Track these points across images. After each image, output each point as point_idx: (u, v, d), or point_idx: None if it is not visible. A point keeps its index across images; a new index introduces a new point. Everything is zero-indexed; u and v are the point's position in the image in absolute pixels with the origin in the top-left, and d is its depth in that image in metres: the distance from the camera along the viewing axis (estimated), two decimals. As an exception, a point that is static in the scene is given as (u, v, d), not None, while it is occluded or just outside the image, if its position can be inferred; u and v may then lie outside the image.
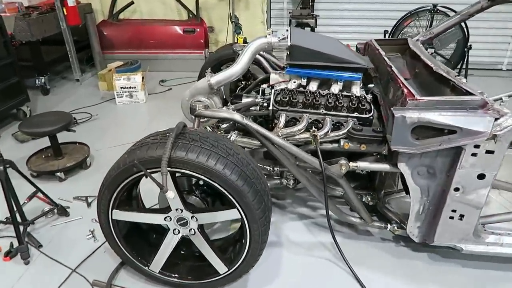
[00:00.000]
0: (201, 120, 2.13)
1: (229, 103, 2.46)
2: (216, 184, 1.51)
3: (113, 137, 3.40)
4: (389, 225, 2.03)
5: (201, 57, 5.23)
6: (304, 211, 2.41)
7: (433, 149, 1.65)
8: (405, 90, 1.75)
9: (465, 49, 4.08)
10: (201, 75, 3.25)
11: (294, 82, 2.25)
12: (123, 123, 3.71)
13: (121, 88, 4.07)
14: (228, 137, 2.22)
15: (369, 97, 2.12)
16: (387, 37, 4.56)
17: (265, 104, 2.25)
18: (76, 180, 2.76)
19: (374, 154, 2.04)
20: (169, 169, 1.47)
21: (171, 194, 1.43)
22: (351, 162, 1.90)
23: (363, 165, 1.89)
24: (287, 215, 2.38)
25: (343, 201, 2.33)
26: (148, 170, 1.51)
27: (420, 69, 2.20)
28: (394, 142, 1.69)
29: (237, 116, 1.76)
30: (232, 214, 1.58)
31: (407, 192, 2.10)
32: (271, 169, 2.25)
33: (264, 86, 2.44)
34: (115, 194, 1.62)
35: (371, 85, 2.32)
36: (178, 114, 3.84)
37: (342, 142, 1.96)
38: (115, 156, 3.13)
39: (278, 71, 2.45)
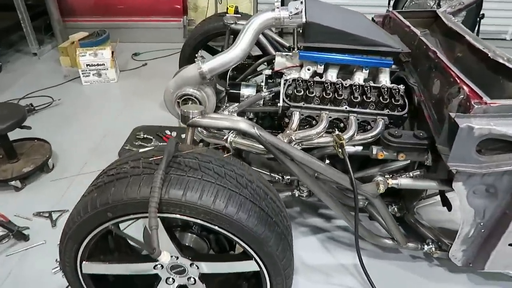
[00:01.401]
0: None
1: (224, 94, 1.99)
2: (228, 233, 1.08)
3: (80, 129, 2.86)
4: (425, 246, 1.69)
5: (179, 25, 4.60)
6: (317, 223, 2.04)
7: (504, 168, 1.28)
8: (466, 89, 1.34)
9: (478, 18, 3.68)
10: (184, 54, 2.71)
11: (309, 70, 1.79)
12: (92, 109, 3.15)
13: (87, 65, 3.45)
14: (224, 138, 1.78)
15: (401, 88, 1.71)
16: (390, 7, 4.07)
17: (270, 96, 1.80)
18: (36, 189, 2.26)
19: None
20: (159, 214, 1.03)
21: (166, 257, 1.00)
22: (390, 179, 1.51)
23: (405, 182, 1.50)
24: (297, 228, 2.00)
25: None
26: (130, 216, 1.06)
27: (464, 53, 1.78)
28: (452, 158, 1.30)
29: (245, 125, 1.31)
30: (249, 266, 1.17)
31: (445, 205, 1.75)
32: (280, 178, 1.84)
33: (267, 72, 1.97)
34: (83, 245, 1.17)
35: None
36: (157, 96, 3.30)
37: (375, 151, 1.55)
38: (84, 155, 2.57)
39: (284, 53, 1.98)
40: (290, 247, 1.21)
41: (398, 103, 1.66)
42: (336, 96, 1.67)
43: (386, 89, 1.68)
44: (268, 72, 1.96)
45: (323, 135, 1.64)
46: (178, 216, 1.05)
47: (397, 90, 1.68)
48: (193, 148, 1.21)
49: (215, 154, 1.20)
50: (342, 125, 1.73)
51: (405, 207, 1.89)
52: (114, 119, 2.98)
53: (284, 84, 1.73)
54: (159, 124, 2.82)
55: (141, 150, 1.22)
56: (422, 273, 1.77)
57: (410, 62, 1.84)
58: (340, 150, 1.51)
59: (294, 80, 1.72)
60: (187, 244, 1.30)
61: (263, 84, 1.97)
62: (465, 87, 1.35)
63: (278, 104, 1.71)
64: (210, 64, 1.74)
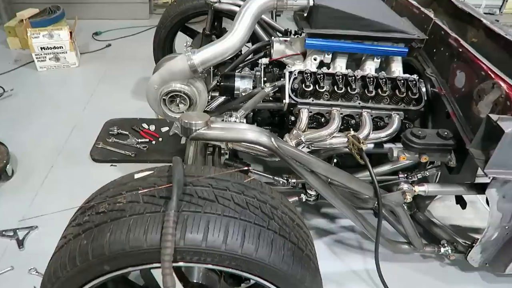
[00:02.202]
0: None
1: (217, 84, 1.74)
2: (257, 279, 0.89)
3: (40, 125, 2.49)
4: (442, 249, 1.59)
5: (144, 0, 4.15)
6: (321, 224, 1.90)
7: (549, 174, 1.16)
8: (504, 85, 1.19)
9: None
10: (159, 37, 2.38)
11: (315, 60, 1.57)
12: (53, 100, 2.75)
13: (41, 49, 3.00)
14: None
15: (418, 79, 1.55)
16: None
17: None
18: (-6, 202, 1.93)
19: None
20: (174, 264, 0.81)
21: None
22: (416, 187, 1.36)
23: (433, 189, 1.37)
24: (301, 231, 1.84)
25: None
26: (134, 268, 0.84)
27: (479, 38, 1.63)
28: (492, 164, 1.16)
29: (260, 136, 1.08)
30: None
31: (459, 203, 1.65)
32: (285, 181, 1.65)
33: (265, 61, 1.74)
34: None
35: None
36: (128, 82, 2.97)
37: (395, 153, 1.39)
38: (49, 156, 2.20)
39: (281, 38, 1.74)
40: (321, 279, 1.04)
41: (416, 97, 1.51)
42: (349, 90, 1.48)
43: (402, 81, 1.51)
44: (266, 61, 1.72)
45: (336, 135, 1.46)
46: (197, 265, 0.84)
47: (414, 81, 1.52)
48: (201, 169, 0.98)
49: (230, 177, 0.98)
50: (353, 122, 1.56)
51: (415, 205, 1.78)
52: (81, 112, 2.62)
53: (290, 77, 1.51)
54: (133, 116, 2.51)
55: (136, 176, 0.97)
56: (434, 273, 1.69)
57: (423, 48, 1.67)
58: (358, 155, 1.34)
59: (301, 72, 1.51)
60: (195, 282, 1.09)
61: (258, 74, 1.73)
62: (502, 84, 1.20)
63: (284, 101, 1.50)
64: (202, 55, 1.47)
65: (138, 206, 0.87)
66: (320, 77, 1.48)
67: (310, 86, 1.46)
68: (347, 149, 1.45)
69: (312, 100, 1.49)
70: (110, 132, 2.33)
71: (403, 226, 1.48)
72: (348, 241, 1.82)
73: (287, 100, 1.49)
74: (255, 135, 1.08)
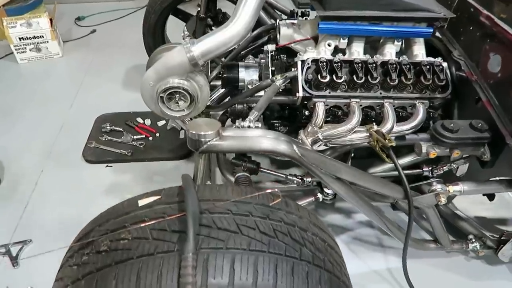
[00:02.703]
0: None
1: (219, 75, 1.57)
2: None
3: (25, 124, 2.30)
4: (470, 245, 1.49)
5: (128, -22, 3.85)
6: (337, 220, 1.78)
7: None
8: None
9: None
10: (149, 22, 2.17)
11: (329, 46, 1.40)
12: (37, 95, 2.55)
13: (20, 39, 2.76)
14: None
15: (444, 64, 1.39)
16: None
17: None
18: (-19, 214, 1.77)
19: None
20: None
21: None
22: (450, 187, 1.23)
23: (470, 188, 1.24)
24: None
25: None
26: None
27: (509, 13, 1.47)
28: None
29: (285, 146, 0.93)
30: None
31: (486, 195, 1.54)
32: (300, 181, 1.51)
33: (271, 47, 1.56)
34: None
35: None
36: (117, 72, 2.76)
37: (425, 148, 1.26)
38: (38, 160, 2.00)
39: (287, 21, 1.56)
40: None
41: (442, 83, 1.36)
42: (369, 79, 1.32)
43: (427, 66, 1.35)
44: (272, 47, 1.55)
45: (357, 129, 1.32)
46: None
47: (440, 66, 1.37)
48: (217, 190, 0.83)
49: (251, 198, 0.84)
50: (373, 113, 1.41)
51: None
52: (68, 108, 2.43)
53: (302, 67, 1.35)
54: (126, 110, 2.33)
55: (140, 202, 0.82)
56: (459, 268, 1.58)
57: (446, 27, 1.50)
58: (384, 153, 1.20)
59: (314, 61, 1.34)
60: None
61: (263, 62, 1.56)
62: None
63: (297, 94, 1.34)
64: (202, 46, 1.29)
65: (147, 244, 0.72)
66: (338, 65, 1.31)
67: (326, 76, 1.30)
68: (367, 143, 1.31)
69: (329, 92, 1.34)
70: (102, 130, 2.16)
71: (432, 226, 1.36)
72: (367, 238, 1.71)
73: (300, 94, 1.33)
74: (273, 144, 0.93)
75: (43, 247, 1.60)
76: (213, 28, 2.12)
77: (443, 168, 1.46)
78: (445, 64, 1.38)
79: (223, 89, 1.68)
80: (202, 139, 0.89)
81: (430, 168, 1.49)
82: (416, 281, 1.43)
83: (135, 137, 2.11)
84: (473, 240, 1.49)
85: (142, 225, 0.75)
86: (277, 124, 1.58)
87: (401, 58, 1.40)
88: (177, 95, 1.41)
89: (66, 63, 2.91)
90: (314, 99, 1.34)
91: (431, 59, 1.41)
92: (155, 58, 1.48)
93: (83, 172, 1.98)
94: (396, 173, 1.51)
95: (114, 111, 2.32)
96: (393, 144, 1.16)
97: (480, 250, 1.47)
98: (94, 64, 2.88)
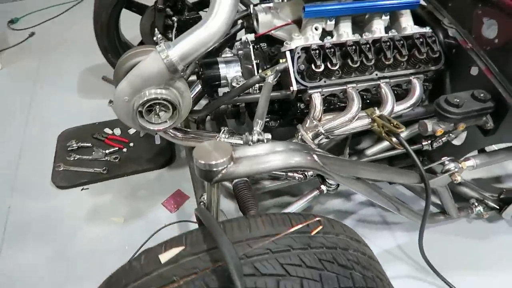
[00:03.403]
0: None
1: (197, 75, 1.42)
2: None
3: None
4: (474, 209, 1.50)
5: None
6: (338, 205, 1.72)
7: None
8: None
9: None
10: (101, 20, 1.92)
11: (316, 30, 1.29)
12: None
13: None
14: (217, 137, 1.32)
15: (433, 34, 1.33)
16: None
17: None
18: None
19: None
20: None
21: None
22: (463, 163, 1.20)
23: (482, 161, 1.22)
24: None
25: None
26: None
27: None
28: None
29: (308, 158, 0.83)
30: None
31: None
32: (302, 177, 1.43)
33: (250, 37, 1.42)
34: None
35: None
36: (71, 77, 2.48)
37: (430, 127, 1.21)
38: (1, 195, 1.73)
39: (263, 5, 1.42)
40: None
41: (436, 55, 1.30)
42: (365, 61, 1.24)
43: (420, 38, 1.29)
44: (251, 37, 1.41)
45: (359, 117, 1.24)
46: None
47: (432, 37, 1.30)
48: (247, 225, 0.73)
49: (284, 225, 0.74)
50: (369, 96, 1.34)
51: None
52: (23, 127, 2.15)
53: (292, 57, 1.23)
54: (90, 121, 2.10)
55: (162, 258, 0.69)
56: (463, 232, 1.60)
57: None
58: (391, 139, 1.14)
59: (304, 49, 1.23)
60: None
61: (241, 53, 1.43)
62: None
63: (291, 88, 1.23)
64: (180, 48, 1.13)
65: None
66: (331, 51, 1.21)
67: (321, 65, 1.20)
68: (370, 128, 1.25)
69: (324, 82, 1.24)
70: (68, 148, 1.93)
71: (442, 201, 1.35)
72: (371, 218, 1.68)
73: (295, 87, 1.22)
74: (295, 159, 0.82)
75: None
76: (173, 18, 1.93)
77: (442, 139, 1.44)
78: (440, 35, 1.33)
79: (199, 87, 1.54)
80: (215, 169, 0.77)
81: (429, 141, 1.46)
82: (428, 253, 1.42)
83: (107, 151, 1.92)
84: (476, 204, 1.50)
85: (174, 287, 0.64)
86: (267, 119, 1.48)
87: (390, 34, 1.32)
88: (157, 106, 1.26)
89: (8, 76, 2.56)
90: (310, 91, 1.24)
91: (420, 30, 1.35)
92: (123, 66, 1.29)
93: (57, 200, 1.77)
94: (393, 152, 1.50)
95: (76, 124, 2.08)
96: (403, 129, 1.10)
97: (484, 212, 1.49)
98: (41, 72, 2.57)
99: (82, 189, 1.81)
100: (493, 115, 1.22)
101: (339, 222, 0.84)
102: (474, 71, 1.29)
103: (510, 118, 1.19)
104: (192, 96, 1.54)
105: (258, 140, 0.89)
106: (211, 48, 1.19)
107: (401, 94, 1.36)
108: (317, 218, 0.72)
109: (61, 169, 1.85)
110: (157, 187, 1.83)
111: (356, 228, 1.62)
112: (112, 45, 2.01)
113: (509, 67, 1.16)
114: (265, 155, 0.82)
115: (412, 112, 1.36)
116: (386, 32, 1.33)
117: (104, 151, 1.92)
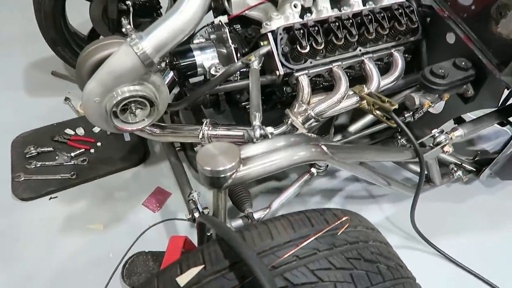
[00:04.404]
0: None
1: (169, 66, 1.30)
2: None
3: None
4: (455, 174, 1.55)
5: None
6: (324, 184, 1.72)
7: None
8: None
9: None
10: (44, 12, 1.69)
11: (295, 7, 1.21)
12: None
13: None
14: (200, 130, 1.25)
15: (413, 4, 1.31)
16: None
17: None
18: None
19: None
20: None
21: None
22: (452, 133, 1.21)
23: (469, 129, 1.24)
24: (311, 198, 1.66)
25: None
26: None
27: None
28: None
29: (318, 150, 0.78)
30: None
31: (458, 123, 1.59)
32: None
33: (222, 19, 1.32)
34: None
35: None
36: (15, 75, 2.22)
37: (417, 100, 1.20)
38: None
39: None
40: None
41: (415, 26, 1.29)
42: (349, 37, 1.19)
43: (399, 9, 1.26)
44: (224, 19, 1.30)
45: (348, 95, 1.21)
46: None
47: (410, 8, 1.28)
48: (268, 232, 0.68)
49: (304, 225, 0.70)
50: (353, 73, 1.31)
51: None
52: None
53: (274, 39, 1.16)
54: (46, 123, 1.90)
55: (180, 281, 0.63)
56: (443, 196, 1.67)
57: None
58: (384, 117, 1.12)
59: (286, 29, 1.16)
60: None
61: (213, 37, 1.33)
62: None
63: (277, 72, 1.16)
64: (153, 39, 1.02)
65: None
66: (314, 29, 1.15)
67: (307, 46, 1.13)
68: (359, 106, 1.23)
69: (310, 63, 1.19)
70: (27, 156, 1.74)
71: (430, 171, 1.38)
72: (358, 193, 1.70)
73: (281, 71, 1.16)
74: (306, 153, 0.77)
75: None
76: (128, 2, 1.75)
77: (423, 110, 1.45)
78: (414, 5, 1.31)
79: (169, 77, 1.43)
80: (223, 175, 0.70)
81: (411, 112, 1.47)
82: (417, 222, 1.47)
83: (72, 154, 1.75)
84: (455, 169, 1.56)
85: (202, 314, 0.58)
86: (248, 105, 1.40)
87: (368, 6, 1.28)
88: (132, 104, 1.14)
89: None
90: (296, 74, 1.18)
91: (397, 0, 1.32)
92: (87, 62, 1.15)
93: (22, 214, 1.60)
94: (376, 127, 1.49)
95: (31, 127, 1.88)
96: (396, 106, 1.08)
97: (463, 176, 1.56)
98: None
99: (50, 198, 1.65)
100: (473, 83, 1.24)
101: (352, 212, 0.82)
102: (450, 39, 1.29)
103: (489, 85, 1.21)
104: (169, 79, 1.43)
105: (261, 136, 0.83)
106: (188, 36, 1.08)
107: (384, 68, 1.35)
108: (345, 217, 0.68)
109: (22, 179, 1.67)
110: (134, 187, 1.71)
111: (345, 205, 1.66)
112: (61, 36, 1.81)
113: (487, 33, 1.17)
114: (273, 152, 0.77)
115: (394, 85, 1.36)
116: (364, 4, 1.29)
117: (69, 155, 1.75)
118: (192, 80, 1.39)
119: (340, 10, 1.25)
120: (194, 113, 1.55)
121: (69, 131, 1.86)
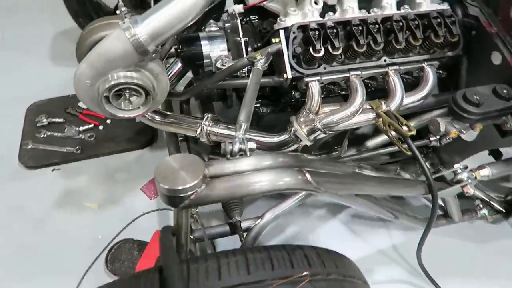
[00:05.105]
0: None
1: (176, 52, 1.22)
2: None
3: None
4: (479, 212, 1.37)
5: None
6: (330, 199, 1.60)
7: None
8: None
9: None
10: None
11: (316, 4, 1.07)
12: None
13: None
14: (199, 126, 1.16)
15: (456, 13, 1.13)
16: None
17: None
18: None
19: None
20: None
21: None
22: (477, 172, 1.05)
23: (499, 170, 1.07)
24: (312, 213, 1.54)
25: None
26: None
27: None
28: None
29: (299, 177, 0.67)
30: None
31: (493, 154, 1.39)
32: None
33: (237, 9, 1.20)
34: None
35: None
36: (41, 45, 2.26)
37: (443, 127, 1.04)
38: None
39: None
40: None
41: (455, 39, 1.11)
42: (373, 44, 1.04)
43: (438, 18, 1.09)
44: (239, 9, 1.19)
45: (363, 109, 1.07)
46: None
47: (452, 17, 1.11)
48: (216, 268, 0.59)
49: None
50: (375, 84, 1.16)
51: (439, 160, 1.50)
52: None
53: (287, 37, 1.03)
54: (62, 94, 1.89)
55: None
56: (464, 234, 1.48)
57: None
58: (399, 142, 0.98)
59: (301, 27, 1.03)
60: None
61: (228, 26, 1.22)
62: None
63: (285, 75, 1.05)
64: (150, 24, 0.93)
65: None
66: (333, 32, 1.01)
67: (321, 49, 1.00)
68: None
69: (324, 68, 1.05)
70: (38, 124, 1.75)
71: (447, 206, 1.22)
72: (366, 213, 1.56)
73: (289, 75, 1.03)
74: (285, 180, 0.66)
75: None
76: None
77: (449, 138, 1.28)
78: (458, 13, 1.13)
79: (180, 64, 1.34)
80: (181, 194, 0.61)
81: (438, 137, 1.30)
82: (424, 256, 1.31)
83: (81, 128, 1.74)
84: (481, 206, 1.38)
85: None
86: (258, 105, 1.29)
87: (403, 10, 1.12)
88: (127, 91, 1.07)
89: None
90: (306, 79, 1.05)
91: (438, 6, 1.14)
92: (86, 41, 1.09)
93: (25, 182, 1.62)
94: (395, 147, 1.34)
95: (47, 96, 1.88)
96: (413, 132, 0.94)
97: (489, 216, 1.37)
98: (6, 37, 2.29)
99: (53, 170, 1.66)
100: (515, 115, 1.06)
101: (332, 255, 0.71)
102: (496, 59, 1.11)
103: (534, 119, 1.03)
104: (172, 74, 1.35)
105: (240, 151, 0.73)
106: (190, 24, 0.99)
107: (411, 83, 1.19)
108: (305, 273, 0.57)
109: (30, 147, 1.68)
110: (136, 170, 1.68)
111: (349, 224, 1.53)
112: (83, 8, 1.77)
113: (542, 60, 0.98)
114: (246, 173, 0.66)
115: (421, 103, 1.19)
116: (398, 7, 1.13)
117: (77, 128, 1.74)
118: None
119: (369, 12, 1.10)
120: (202, 105, 1.47)
121: (82, 104, 1.84)
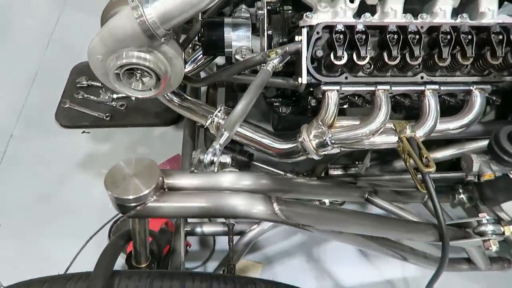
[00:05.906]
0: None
1: (198, 37, 1.16)
2: None
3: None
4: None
5: None
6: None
7: None
8: None
9: None
10: None
11: (352, 2, 0.93)
12: (8, 28, 2.16)
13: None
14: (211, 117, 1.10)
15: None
16: None
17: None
18: None
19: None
20: None
21: None
22: (506, 227, 0.88)
23: None
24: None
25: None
26: None
27: None
28: None
29: (262, 208, 0.59)
30: None
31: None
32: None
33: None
34: None
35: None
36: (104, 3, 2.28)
37: (477, 167, 0.88)
38: (5, 122, 1.61)
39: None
40: None
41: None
42: (408, 58, 0.89)
43: (500, 34, 0.89)
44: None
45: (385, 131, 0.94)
46: None
47: (519, 34, 0.90)
48: None
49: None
50: (407, 102, 1.01)
51: (480, 195, 1.30)
52: (43, 49, 2.04)
53: (309, 37, 0.92)
54: (109, 57, 1.94)
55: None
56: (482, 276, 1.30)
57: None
58: (415, 175, 0.84)
59: (328, 27, 0.90)
60: None
61: (261, 14, 1.11)
62: None
63: (299, 80, 0.94)
64: (160, 6, 0.87)
65: None
66: (361, 38, 0.88)
67: (343, 57, 0.88)
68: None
69: (346, 78, 0.93)
70: (78, 85, 1.82)
71: (467, 251, 1.05)
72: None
73: (304, 80, 0.92)
74: (247, 208, 0.59)
75: (12, 235, 1.43)
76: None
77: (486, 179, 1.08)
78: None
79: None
80: (128, 204, 0.56)
81: (470, 181, 1.12)
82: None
83: (114, 96, 1.77)
84: (519, 255, 1.18)
85: None
86: (277, 104, 1.20)
87: (459, 20, 0.94)
88: (138, 71, 1.04)
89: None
90: (324, 87, 0.94)
91: (507, 19, 0.94)
92: (108, 14, 1.06)
93: (57, 139, 1.71)
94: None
95: (92, 58, 1.94)
96: (433, 170, 0.79)
97: (526, 272, 1.17)
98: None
99: (82, 132, 1.73)
100: None
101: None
102: None
103: None
104: (197, 59, 1.31)
105: (210, 163, 0.65)
106: (207, 8, 0.91)
107: (453, 106, 1.01)
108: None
109: (67, 106, 1.76)
110: (157, 147, 1.69)
111: (361, 249, 1.40)
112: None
113: None
114: (205, 192, 0.60)
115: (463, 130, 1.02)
116: (454, 16, 0.94)
117: (111, 95, 1.78)
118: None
119: (415, 17, 0.93)
120: (226, 93, 1.41)
121: (121, 71, 1.87)
